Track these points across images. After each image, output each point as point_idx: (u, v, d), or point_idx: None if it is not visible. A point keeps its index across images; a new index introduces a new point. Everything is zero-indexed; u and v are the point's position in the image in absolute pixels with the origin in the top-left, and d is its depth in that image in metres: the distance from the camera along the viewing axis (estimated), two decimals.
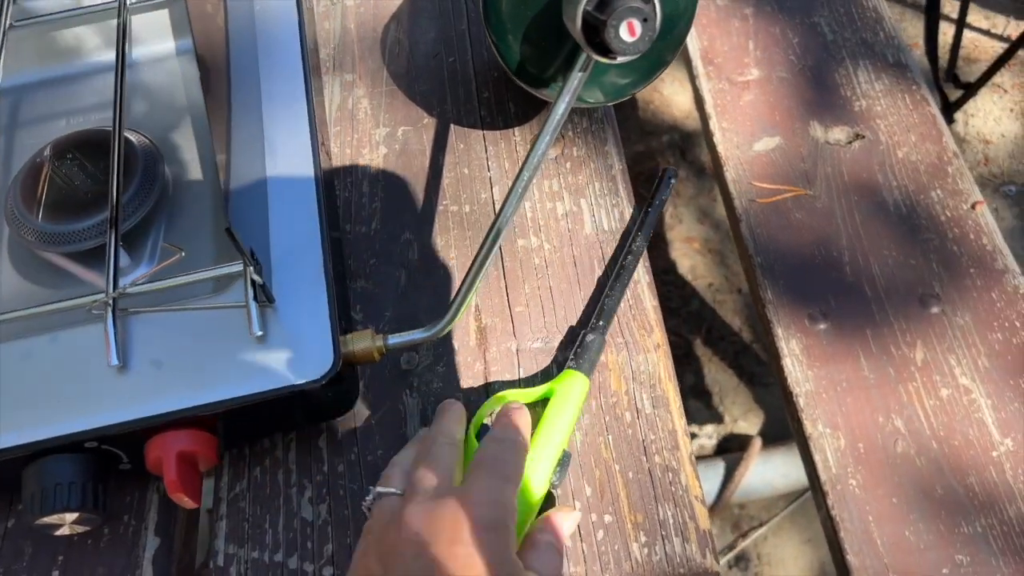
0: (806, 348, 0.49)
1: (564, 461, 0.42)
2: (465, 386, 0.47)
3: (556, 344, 0.48)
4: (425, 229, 0.53)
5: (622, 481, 0.44)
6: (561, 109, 0.38)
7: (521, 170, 0.40)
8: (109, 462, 0.41)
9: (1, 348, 0.41)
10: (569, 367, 0.44)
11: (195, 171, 0.51)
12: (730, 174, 0.57)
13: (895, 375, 0.48)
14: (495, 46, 0.43)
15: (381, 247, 0.52)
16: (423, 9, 0.63)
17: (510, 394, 0.44)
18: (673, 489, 0.43)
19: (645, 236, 0.47)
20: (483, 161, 0.55)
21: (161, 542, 0.43)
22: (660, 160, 1.51)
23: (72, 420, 0.39)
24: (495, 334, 0.49)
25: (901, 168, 0.56)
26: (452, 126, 0.57)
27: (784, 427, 1.23)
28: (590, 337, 0.44)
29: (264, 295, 0.40)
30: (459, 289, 0.43)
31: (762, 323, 0.52)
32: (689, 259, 1.41)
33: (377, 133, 0.57)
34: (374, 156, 0.56)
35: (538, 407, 0.44)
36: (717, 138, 0.59)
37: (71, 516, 0.39)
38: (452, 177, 0.55)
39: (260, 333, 0.40)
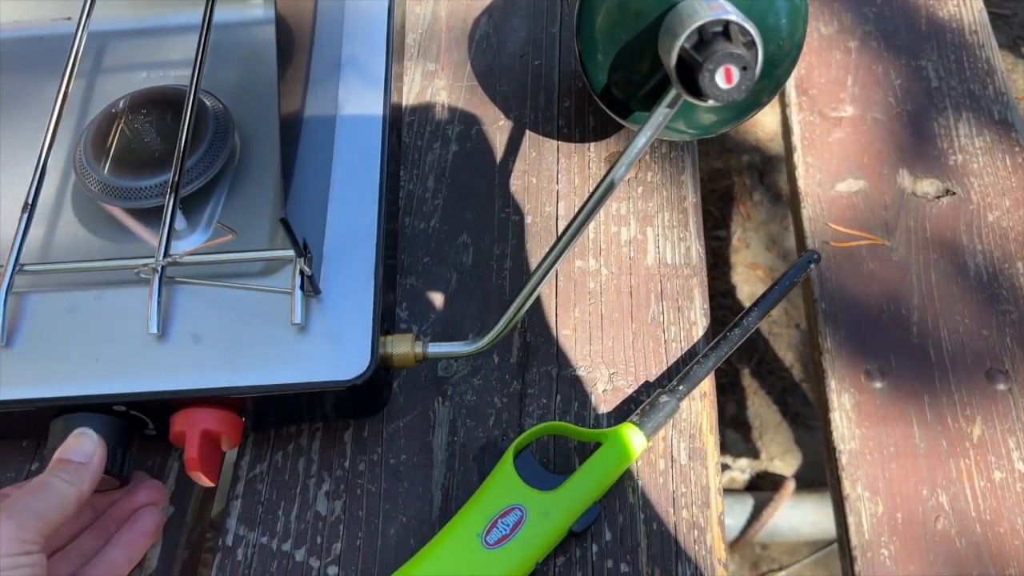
0: (858, 405, 0.47)
1: (591, 512, 0.40)
2: (498, 404, 0.46)
3: (598, 376, 0.46)
4: (483, 234, 0.52)
5: (645, 531, 0.42)
6: (641, 142, 0.36)
7: (591, 196, 0.38)
8: (135, 427, 0.41)
9: (48, 297, 0.41)
10: (632, 421, 0.42)
11: (265, 142, 0.51)
12: (807, 211, 0.54)
13: (947, 448, 0.45)
14: (582, 64, 0.41)
15: (436, 246, 0.51)
16: (517, 5, 0.61)
17: (559, 427, 0.43)
18: (697, 548, 0.42)
19: (761, 313, 0.45)
20: (553, 173, 0.54)
21: (175, 512, 0.43)
22: (737, 179, 1.47)
23: (105, 382, 0.39)
24: (537, 355, 0.47)
25: (989, 232, 0.53)
26: (527, 132, 0.55)
27: (820, 474, 1.20)
28: (664, 399, 0.42)
29: (311, 286, 0.39)
30: (508, 309, 0.41)
31: (816, 371, 0.50)
32: (750, 285, 1.37)
33: (451, 128, 0.56)
34: (444, 152, 0.55)
35: (587, 449, 0.43)
36: (799, 172, 0.56)
37: None
38: (519, 185, 0.53)
39: (300, 323, 0.39)
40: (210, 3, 0.50)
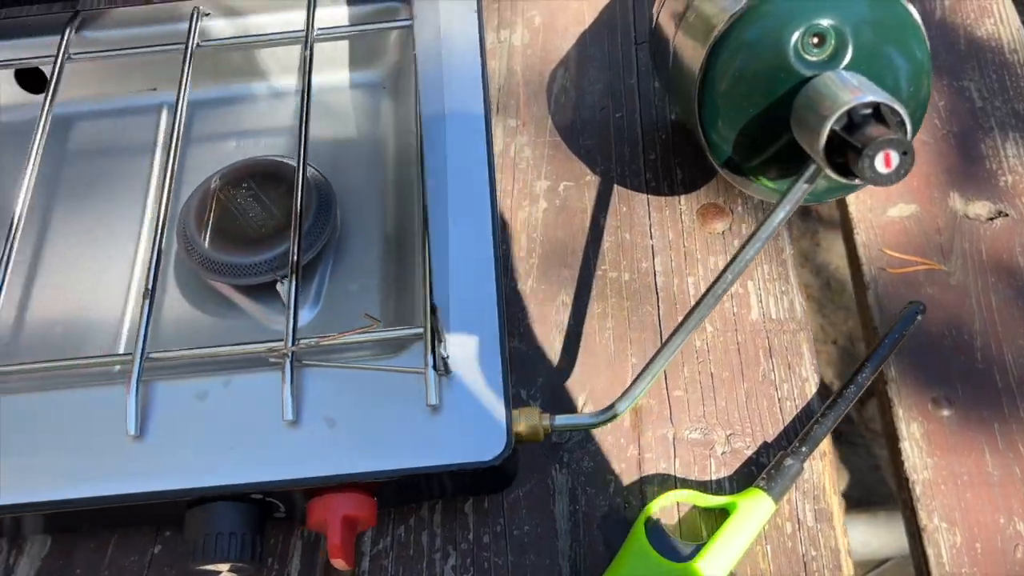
0: (927, 434, 0.47)
1: None
2: (617, 470, 0.46)
3: (715, 439, 0.46)
4: (582, 293, 0.52)
5: None
6: (779, 217, 0.36)
7: (724, 271, 0.38)
8: (268, 512, 0.41)
9: (177, 385, 0.41)
10: (759, 486, 0.42)
11: (363, 210, 0.51)
12: (860, 237, 0.54)
13: (1021, 475, 0.45)
14: (703, 133, 0.41)
15: (536, 307, 0.51)
16: (592, 57, 0.62)
17: (688, 495, 0.43)
18: None
19: (873, 368, 0.45)
20: (646, 228, 0.54)
21: None
22: None
23: (243, 470, 0.39)
24: (651, 417, 0.47)
25: None
26: (615, 186, 0.56)
27: (868, 492, 1.19)
28: (789, 461, 0.42)
29: (444, 367, 0.39)
30: (635, 380, 0.41)
31: (880, 400, 0.49)
32: None
33: (538, 185, 0.56)
34: (534, 209, 0.55)
35: (713, 516, 0.43)
36: (850, 198, 0.56)
37: (230, 564, 0.39)
38: (613, 241, 0.53)
39: (436, 403, 0.39)
40: (308, 72, 0.50)
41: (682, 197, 0.55)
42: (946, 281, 0.51)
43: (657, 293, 0.51)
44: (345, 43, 0.55)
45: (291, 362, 0.40)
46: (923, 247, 0.53)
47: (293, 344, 0.40)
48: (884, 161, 0.31)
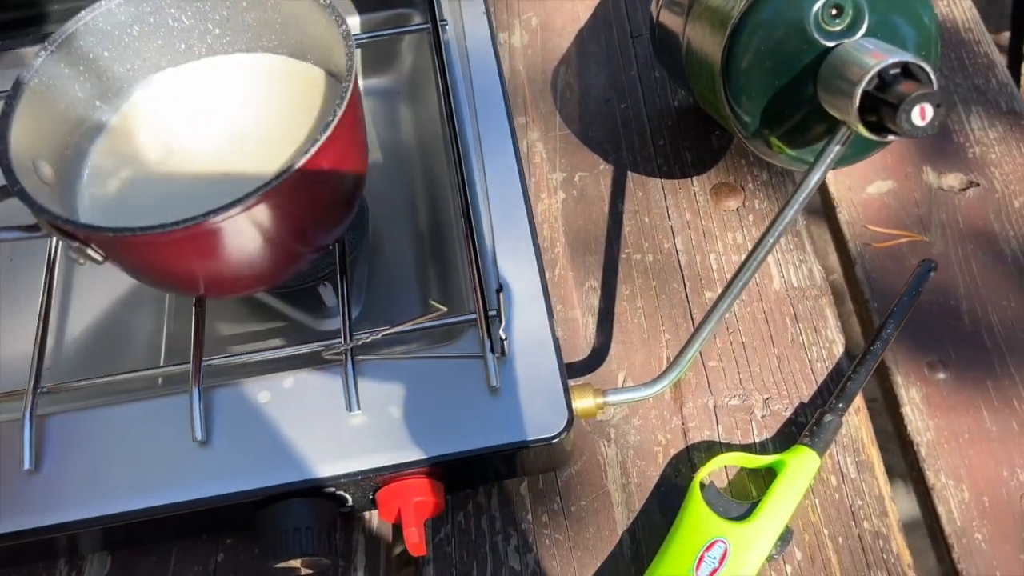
0: (926, 397, 0.49)
1: (786, 536, 0.42)
2: (663, 441, 0.47)
3: (753, 403, 0.48)
4: (609, 277, 0.53)
5: (832, 546, 0.44)
6: (815, 179, 0.38)
7: (765, 234, 0.40)
8: (339, 505, 0.41)
9: (238, 389, 0.42)
10: (803, 443, 0.44)
11: (392, 213, 0.52)
12: (844, 215, 0.56)
13: (1018, 429, 0.47)
14: (731, 111, 0.43)
15: (565, 292, 0.53)
16: (591, 53, 0.64)
17: (736, 458, 0.45)
18: (885, 557, 0.43)
19: (896, 324, 0.47)
20: (663, 210, 0.56)
21: None
22: None
23: (315, 466, 0.39)
24: (690, 389, 0.49)
25: (1018, 218, 0.55)
26: (629, 173, 0.57)
27: None
28: (828, 417, 0.45)
29: (501, 349, 0.41)
30: (682, 349, 0.43)
31: (877, 369, 0.50)
32: None
33: (554, 178, 0.58)
34: (552, 201, 0.57)
35: (761, 476, 0.45)
36: (828, 178, 0.58)
37: (309, 559, 0.39)
38: (633, 225, 0.55)
39: (497, 385, 0.40)
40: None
41: (694, 178, 0.57)
42: (928, 251, 0.54)
43: (681, 271, 0.53)
44: (358, 52, 0.56)
45: (351, 357, 0.41)
46: (904, 221, 0.55)
47: (351, 339, 0.41)
48: (920, 114, 0.33)
